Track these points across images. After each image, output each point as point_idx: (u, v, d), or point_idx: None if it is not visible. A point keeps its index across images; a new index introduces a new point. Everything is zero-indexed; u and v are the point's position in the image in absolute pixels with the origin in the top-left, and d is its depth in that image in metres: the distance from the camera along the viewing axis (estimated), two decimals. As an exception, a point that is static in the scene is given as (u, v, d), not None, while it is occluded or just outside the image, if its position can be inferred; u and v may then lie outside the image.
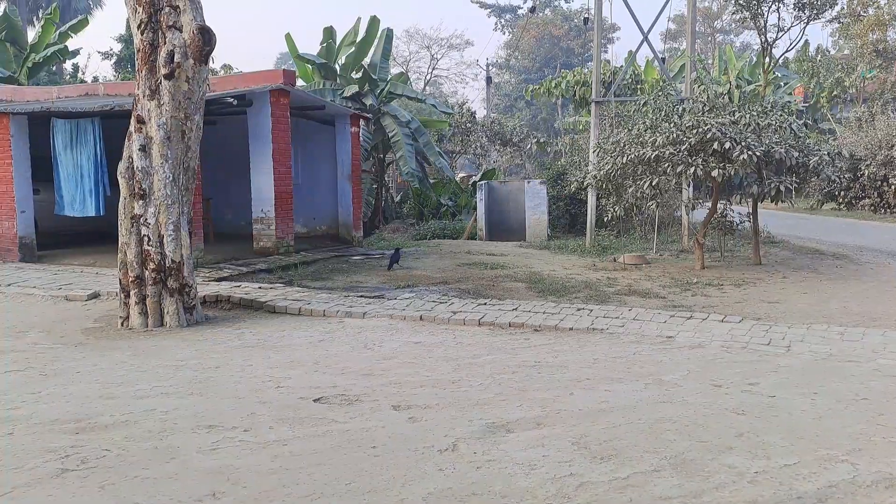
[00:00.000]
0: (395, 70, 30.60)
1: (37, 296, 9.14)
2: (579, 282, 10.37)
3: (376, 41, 21.35)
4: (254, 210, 12.39)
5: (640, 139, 11.34)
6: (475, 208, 19.08)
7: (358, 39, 21.28)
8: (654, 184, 11.21)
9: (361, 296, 9.10)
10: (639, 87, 23.69)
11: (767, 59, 16.66)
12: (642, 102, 13.64)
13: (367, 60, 21.42)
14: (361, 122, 15.49)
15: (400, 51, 48.76)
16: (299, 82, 20.41)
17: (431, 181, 23.60)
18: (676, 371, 5.80)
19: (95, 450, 4.19)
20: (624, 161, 11.34)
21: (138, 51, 7.39)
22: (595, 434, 4.38)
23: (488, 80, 48.06)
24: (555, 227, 18.28)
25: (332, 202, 14.94)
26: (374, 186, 22.54)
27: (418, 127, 21.35)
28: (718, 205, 12.37)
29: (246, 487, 3.68)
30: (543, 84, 26.07)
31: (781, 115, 11.49)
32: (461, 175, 31.01)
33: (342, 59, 21.64)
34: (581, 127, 26.80)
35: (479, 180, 21.74)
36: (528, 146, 33.50)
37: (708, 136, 10.49)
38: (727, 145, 10.32)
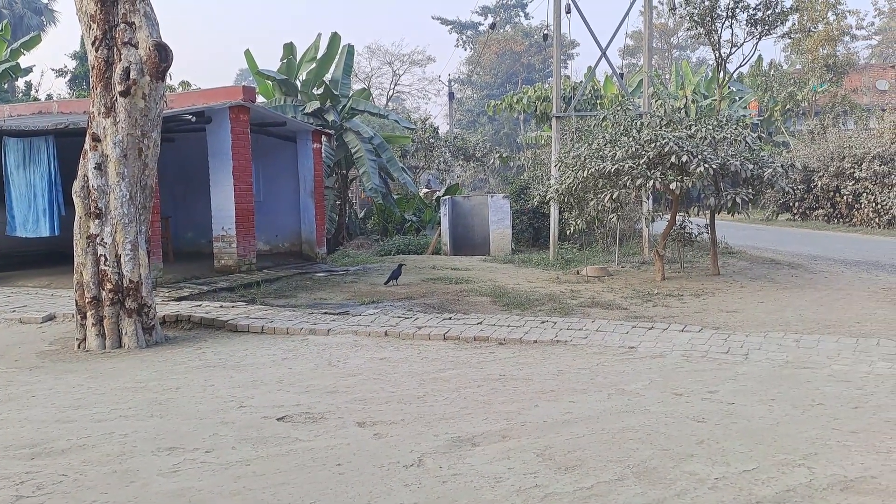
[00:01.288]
0: (357, 86, 30.63)
1: (-11, 319, 8.87)
2: (543, 294, 10.45)
3: (337, 57, 21.35)
4: (214, 228, 12.23)
5: (601, 153, 11.52)
6: (439, 223, 19.12)
7: (319, 55, 21.25)
8: (614, 197, 11.38)
9: (326, 312, 9.03)
10: (598, 101, 24.09)
11: (722, 74, 17.09)
12: (602, 117, 13.86)
13: (328, 76, 21.40)
14: (323, 138, 15.44)
15: (362, 67, 48.82)
16: (260, 99, 20.30)
17: (395, 197, 23.60)
18: (638, 381, 5.88)
19: (52, 475, 4.08)
20: (585, 175, 11.49)
21: (93, 68, 7.28)
22: (559, 445, 4.41)
23: (450, 95, 48.40)
24: (518, 240, 18.41)
25: (295, 219, 14.83)
26: (338, 202, 22.46)
27: (381, 143, 21.37)
28: (677, 217, 12.60)
29: (208, 510, 3.62)
30: (505, 99, 26.34)
31: (736, 129, 11.77)
32: (425, 190, 31.08)
33: (303, 76, 21.58)
34: (543, 141, 27.12)
35: (443, 195, 21.81)
36: (492, 161, 33.73)
37: (666, 150, 10.71)
38: (684, 158, 10.54)
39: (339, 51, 21.28)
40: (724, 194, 11.36)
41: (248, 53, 20.77)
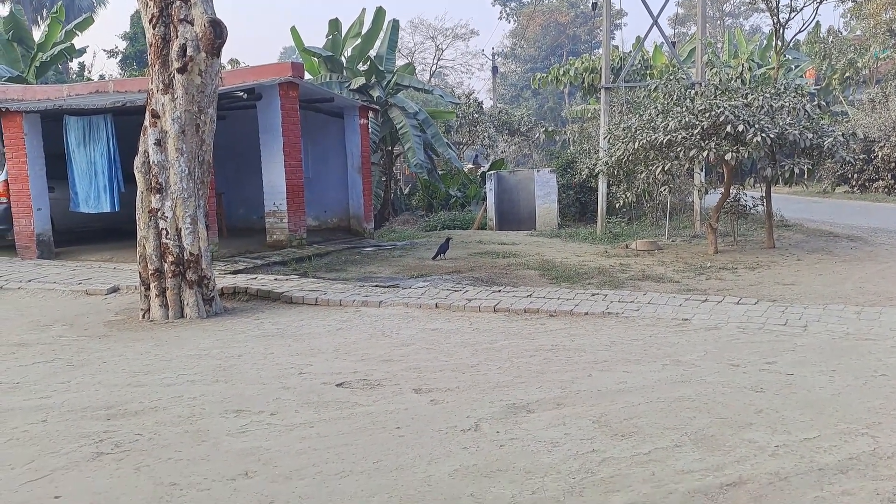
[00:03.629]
0: (400, 62, 30.58)
1: (57, 291, 9.25)
2: (592, 268, 10.40)
3: (382, 32, 21.35)
4: (266, 204, 12.47)
5: (652, 124, 11.34)
6: (484, 199, 19.10)
7: (363, 31, 21.28)
8: (666, 169, 11.21)
9: (376, 286, 9.17)
10: (648, 72, 23.58)
11: (779, 41, 16.54)
12: (653, 87, 13.60)
13: (373, 52, 21.43)
14: (370, 113, 15.53)
15: (405, 42, 48.70)
16: (306, 76, 20.45)
17: (440, 172, 23.62)
18: (693, 352, 5.84)
19: (128, 434, 4.28)
20: (635, 146, 11.33)
21: (150, 45, 7.45)
22: (615, 413, 4.43)
23: (494, 69, 47.95)
24: (565, 215, 18.29)
25: (343, 195, 15.00)
26: (383, 179, 22.60)
27: (426, 118, 21.37)
28: (731, 189, 12.34)
29: (277, 467, 3.76)
30: (551, 72, 25.94)
31: (795, 97, 11.43)
32: (469, 166, 31.01)
33: (348, 52, 21.66)
34: (589, 115, 26.72)
35: (488, 170, 21.76)
36: (536, 136, 33.43)
37: (721, 120, 10.47)
38: (740, 128, 10.30)
39: (384, 26, 21.27)
40: (780, 165, 11.08)
41: (293, 30, 20.93)
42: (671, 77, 12.81)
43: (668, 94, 12.25)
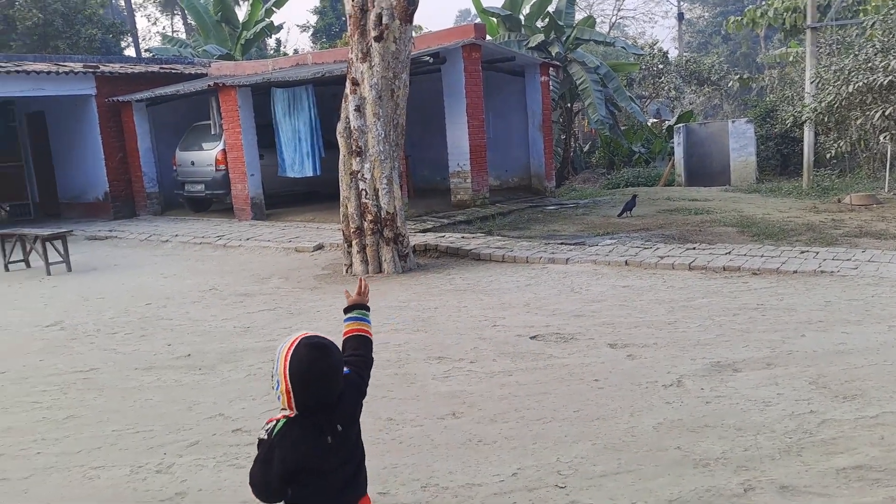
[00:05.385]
0: (579, 15, 29.67)
1: (271, 248, 10.23)
2: (799, 224, 9.60)
3: (561, -14, 20.83)
4: (450, 165, 12.81)
5: (870, 64, 10.14)
6: (671, 154, 18.23)
7: (542, -13, 20.88)
8: (886, 114, 10.00)
9: (562, 243, 9.15)
10: (861, 7, 20.98)
11: None
12: (870, 23, 12.11)
13: (551, 7, 20.98)
14: (551, 70, 15.32)
15: (584, -6, 47.06)
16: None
17: (622, 128, 22.83)
18: (926, 314, 5.25)
19: (342, 376, 4.69)
20: (850, 90, 10.22)
21: (350, 17, 7.88)
22: (834, 374, 4.13)
23: (679, 16, 45.11)
24: (763, 169, 16.99)
25: (524, 154, 15.02)
26: (563, 136, 22.27)
27: (607, 72, 20.66)
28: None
29: (481, 410, 3.95)
30: (747, 14, 23.76)
31: None
32: (653, 120, 29.62)
33: (526, 9, 21.38)
34: (790, 58, 24.34)
35: (675, 124, 20.68)
36: (729, 84, 31.10)
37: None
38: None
39: (563, -20, 20.73)
40: None
41: (473, -8, 21.00)
42: (892, 11, 11.29)
43: (888, 30, 10.84)
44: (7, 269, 9.82)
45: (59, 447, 3.82)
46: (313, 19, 35.94)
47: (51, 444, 3.87)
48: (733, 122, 16.90)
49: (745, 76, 27.44)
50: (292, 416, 1.99)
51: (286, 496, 2.01)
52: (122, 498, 3.27)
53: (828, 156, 12.57)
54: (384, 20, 7.63)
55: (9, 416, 4.35)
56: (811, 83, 12.36)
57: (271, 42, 36.93)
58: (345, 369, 2.11)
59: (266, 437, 1.98)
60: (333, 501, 2.04)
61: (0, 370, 5.32)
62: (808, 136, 13.85)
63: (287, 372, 1.95)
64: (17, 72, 13.48)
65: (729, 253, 7.71)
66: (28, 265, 9.92)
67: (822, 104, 10.79)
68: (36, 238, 9.64)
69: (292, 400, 1.96)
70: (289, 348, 1.98)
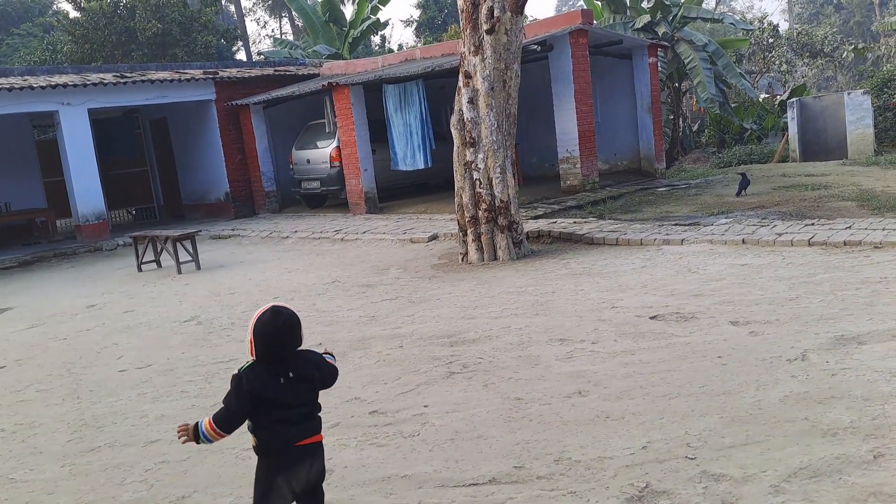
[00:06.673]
0: (685, -9, 28.67)
1: (387, 240, 10.76)
2: (927, 197, 9.15)
3: (665, -36, 20.30)
4: (559, 151, 12.94)
5: None
6: (784, 129, 17.51)
7: (646, -35, 20.45)
8: None
9: (675, 224, 9.14)
10: None
11: None
12: None
13: (657, -14, 20.51)
14: (658, 51, 15.09)
15: (687, -31, 45.26)
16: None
17: (732, 105, 22.05)
18: None
19: (471, 358, 5.03)
20: None
21: (462, 11, 8.19)
22: (969, 349, 4.08)
23: (792, -16, 42.54)
24: (882, 141, 16.12)
25: (632, 136, 14.90)
26: (671, 117, 21.77)
27: (716, 49, 20.03)
28: None
29: (607, 388, 4.19)
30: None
31: None
32: (764, 96, 28.32)
33: (631, -10, 21.02)
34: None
35: (788, 98, 19.79)
36: (843, 55, 29.25)
37: None
38: None
39: (668, -44, 20.20)
40: None
41: (574, -24, 20.85)
42: None
43: None
44: (140, 270, 10.50)
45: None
46: (416, 13, 36.60)
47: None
48: (849, 93, 16.09)
49: (859, 46, 25.78)
50: (254, 361, 2.61)
51: (248, 418, 2.62)
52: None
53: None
54: (496, 13, 7.90)
55: (161, 405, 4.77)
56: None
57: (376, 39, 37.90)
58: (328, 357, 2.86)
59: (237, 371, 2.61)
60: (289, 429, 2.61)
61: (147, 363, 5.80)
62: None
63: (252, 328, 2.59)
64: (143, 81, 14.36)
65: (849, 227, 7.51)
66: (159, 265, 10.55)
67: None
68: (167, 239, 10.15)
69: (253, 349, 2.59)
70: (260, 312, 2.61)
